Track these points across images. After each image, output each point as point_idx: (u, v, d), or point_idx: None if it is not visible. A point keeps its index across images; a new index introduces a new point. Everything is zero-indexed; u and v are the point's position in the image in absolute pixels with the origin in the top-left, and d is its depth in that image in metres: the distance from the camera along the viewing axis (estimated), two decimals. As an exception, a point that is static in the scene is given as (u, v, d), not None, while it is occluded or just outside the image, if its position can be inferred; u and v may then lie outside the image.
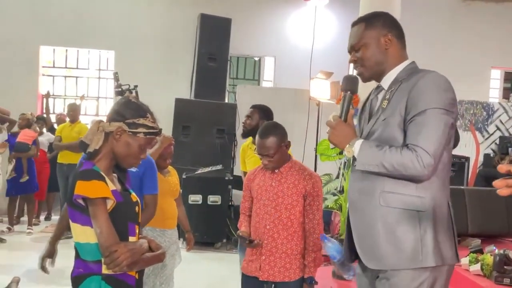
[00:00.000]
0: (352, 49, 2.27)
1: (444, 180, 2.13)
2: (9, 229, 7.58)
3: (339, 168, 5.94)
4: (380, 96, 2.24)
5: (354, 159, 2.14)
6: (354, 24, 2.29)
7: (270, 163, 3.00)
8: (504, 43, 10.30)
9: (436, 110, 2.00)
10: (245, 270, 3.11)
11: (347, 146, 2.12)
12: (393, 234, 2.07)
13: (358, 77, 2.29)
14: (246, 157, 4.39)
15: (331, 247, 2.82)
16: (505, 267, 4.13)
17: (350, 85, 2.25)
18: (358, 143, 2.10)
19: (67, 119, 7.85)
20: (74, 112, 7.57)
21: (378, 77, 2.26)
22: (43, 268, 2.91)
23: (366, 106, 2.35)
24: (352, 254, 2.30)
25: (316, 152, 6.17)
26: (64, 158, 7.29)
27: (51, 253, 2.96)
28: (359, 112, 2.41)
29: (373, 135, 2.16)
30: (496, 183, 1.45)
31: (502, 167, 1.44)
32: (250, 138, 4.38)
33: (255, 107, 4.34)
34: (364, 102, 2.40)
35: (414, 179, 2.03)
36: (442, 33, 10.17)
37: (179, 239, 3.90)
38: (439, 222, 2.08)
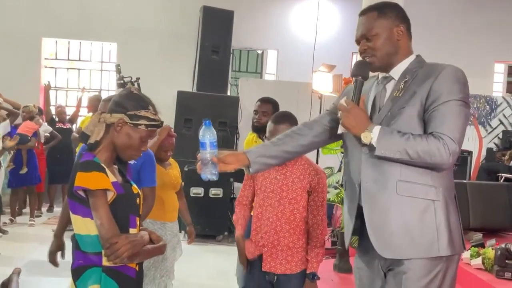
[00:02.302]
0: (363, 37, 2.23)
1: (451, 171, 2.17)
2: (11, 220, 7.60)
3: (341, 162, 5.93)
4: (390, 86, 2.22)
5: (368, 146, 2.10)
6: (364, 13, 2.25)
7: None
8: (508, 37, 10.26)
9: (459, 102, 2.03)
10: (249, 255, 3.10)
11: (365, 131, 2.07)
12: (409, 223, 2.07)
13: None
14: None
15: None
16: (506, 261, 4.13)
17: (361, 70, 2.22)
18: (377, 128, 2.06)
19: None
20: (95, 103, 7.50)
21: (387, 68, 2.23)
22: (53, 262, 2.91)
23: (369, 95, 2.30)
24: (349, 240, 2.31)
25: (318, 146, 6.12)
26: None
27: (59, 247, 2.96)
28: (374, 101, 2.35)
29: (388, 123, 2.13)
30: None
31: None
32: (255, 133, 4.35)
33: (268, 102, 4.23)
34: (366, 92, 2.32)
35: (436, 167, 2.04)
36: (446, 26, 10.13)
37: (180, 232, 3.89)
38: (451, 212, 2.11)
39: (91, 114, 7.46)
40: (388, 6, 2.23)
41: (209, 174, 2.20)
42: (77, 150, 7.20)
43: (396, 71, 2.21)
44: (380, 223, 2.13)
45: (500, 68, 10.96)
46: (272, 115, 4.09)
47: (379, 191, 2.13)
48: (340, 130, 2.20)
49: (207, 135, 2.20)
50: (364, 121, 2.11)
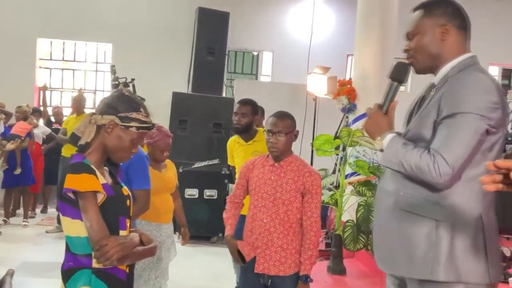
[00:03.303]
0: (406, 36, 2.11)
1: (477, 190, 1.91)
2: (4, 221, 7.57)
3: (335, 164, 5.93)
4: (432, 93, 2.08)
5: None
6: (414, 10, 2.11)
7: (278, 143, 2.98)
8: (502, 40, 10.29)
9: (468, 115, 1.84)
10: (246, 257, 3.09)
11: (378, 138, 2.03)
12: (407, 239, 1.97)
13: (410, 66, 2.13)
14: (234, 151, 4.38)
15: None
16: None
17: (398, 73, 2.11)
18: (389, 137, 2.00)
19: (67, 112, 7.79)
20: (79, 104, 7.50)
21: (432, 71, 2.09)
22: None
23: (416, 101, 2.19)
24: None
25: (312, 147, 6.15)
26: (68, 151, 7.15)
27: None
28: (411, 107, 2.22)
29: (409, 132, 2.05)
30: (483, 178, 1.43)
31: (489, 164, 1.39)
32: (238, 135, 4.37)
33: (247, 103, 4.29)
34: (417, 97, 2.21)
35: (431, 185, 1.91)
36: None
37: (174, 233, 3.89)
38: (461, 235, 1.91)
39: (75, 114, 7.48)
40: (436, 2, 2.07)
41: None
42: (62, 149, 7.23)
43: (439, 76, 2.06)
44: (381, 235, 2.10)
45: (494, 71, 10.98)
46: (252, 115, 4.15)
47: (384, 202, 2.09)
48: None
49: None
50: (381, 128, 2.04)
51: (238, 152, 4.26)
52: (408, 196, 1.98)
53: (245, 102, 4.27)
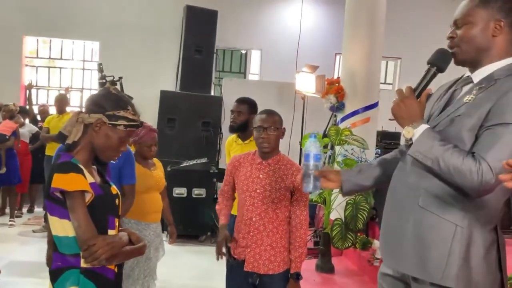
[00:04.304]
0: (455, 23, 1.97)
1: (498, 201, 1.88)
2: (-9, 221, 7.49)
3: (324, 162, 5.95)
4: (466, 89, 1.97)
5: (408, 144, 1.92)
6: None
7: (269, 138, 2.99)
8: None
9: None
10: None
11: (410, 126, 1.88)
12: (421, 239, 1.90)
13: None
14: (232, 150, 4.36)
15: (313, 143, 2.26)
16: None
17: (438, 60, 1.97)
18: (423, 127, 1.86)
19: (54, 111, 7.72)
20: (61, 103, 7.45)
21: (473, 65, 1.97)
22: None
23: (445, 93, 2.07)
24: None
25: (301, 146, 6.18)
26: (52, 150, 7.09)
27: None
28: (433, 96, 2.11)
29: (440, 127, 1.92)
30: (502, 176, 1.40)
31: (506, 163, 1.37)
32: (235, 134, 4.35)
33: (244, 102, 4.27)
34: (444, 88, 2.11)
35: (464, 191, 1.80)
36: (429, 29, 10.19)
37: (162, 232, 3.88)
38: (477, 244, 1.85)
39: (56, 114, 7.42)
40: None
41: (312, 187, 2.14)
42: (46, 148, 7.17)
43: (480, 73, 1.94)
44: (393, 229, 2.02)
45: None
46: (248, 113, 4.13)
47: (402, 197, 1.99)
48: (390, 117, 1.97)
49: (312, 148, 2.15)
50: (414, 115, 1.89)
51: (236, 151, 4.24)
52: (429, 193, 1.90)
53: (242, 101, 4.25)
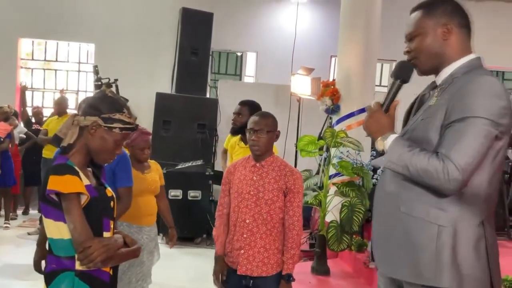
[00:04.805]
0: (407, 38, 2.07)
1: (480, 197, 1.90)
2: (-14, 223, 7.47)
3: (319, 164, 5.95)
4: (432, 92, 2.04)
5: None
6: (412, 11, 2.07)
7: (259, 140, 3.00)
8: (482, 41, 10.31)
9: (479, 120, 1.79)
10: (228, 263, 3.10)
11: (380, 138, 1.97)
12: (408, 244, 1.93)
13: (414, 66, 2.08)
14: (235, 153, 4.36)
15: None
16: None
17: (402, 72, 2.05)
18: (392, 137, 1.94)
19: (48, 113, 7.71)
20: (61, 105, 7.45)
21: (436, 71, 2.04)
22: (39, 271, 2.88)
23: (417, 101, 2.14)
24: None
25: (296, 148, 6.18)
26: (49, 152, 7.02)
27: (43, 255, 2.93)
28: (410, 106, 2.17)
29: (411, 132, 1.99)
30: None
31: None
32: (239, 136, 4.35)
33: (245, 104, 4.27)
34: (417, 96, 2.17)
35: (438, 191, 1.85)
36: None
37: (161, 234, 3.83)
38: (463, 242, 1.87)
39: (56, 116, 7.42)
40: (435, 2, 2.02)
41: None
42: (43, 151, 7.15)
43: (441, 76, 2.02)
44: (382, 237, 2.07)
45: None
46: (249, 115, 4.12)
47: (386, 205, 2.04)
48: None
49: None
50: (383, 128, 1.98)
51: (238, 154, 4.24)
52: (410, 199, 1.94)
53: (243, 103, 4.26)
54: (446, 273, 1.86)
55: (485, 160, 1.85)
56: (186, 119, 7.96)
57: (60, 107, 7.40)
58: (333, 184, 5.27)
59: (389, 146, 1.94)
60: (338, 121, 6.17)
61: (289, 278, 2.98)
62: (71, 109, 9.60)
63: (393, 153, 1.92)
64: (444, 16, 1.98)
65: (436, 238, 1.88)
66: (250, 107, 4.19)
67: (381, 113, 2.02)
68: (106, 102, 2.05)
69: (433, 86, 2.07)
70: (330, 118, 6.51)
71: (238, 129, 4.18)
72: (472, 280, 1.87)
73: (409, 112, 2.16)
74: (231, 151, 4.41)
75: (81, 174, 1.96)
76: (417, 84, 2.31)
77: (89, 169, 2.11)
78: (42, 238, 3.02)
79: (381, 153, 2.02)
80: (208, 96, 9.06)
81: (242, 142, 4.20)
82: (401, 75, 2.06)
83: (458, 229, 1.87)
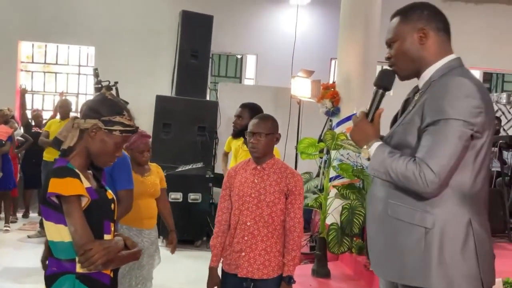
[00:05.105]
0: (387, 44, 2.11)
1: (465, 195, 1.91)
2: (-14, 226, 7.46)
3: (319, 167, 5.95)
4: (415, 96, 2.07)
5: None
6: (391, 17, 2.11)
7: (258, 144, 3.00)
8: (482, 44, 10.39)
9: (451, 121, 1.82)
10: (226, 268, 3.11)
11: (365, 147, 2.02)
12: (397, 247, 1.97)
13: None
14: (238, 156, 4.36)
15: None
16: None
17: (383, 80, 2.10)
18: (375, 145, 1.99)
19: (58, 116, 7.71)
20: (64, 108, 7.45)
21: (416, 75, 2.08)
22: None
23: (402, 105, 2.19)
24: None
25: (296, 150, 6.18)
26: (50, 155, 6.97)
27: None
28: (398, 113, 2.20)
29: (393, 138, 2.05)
30: None
31: None
32: (241, 139, 4.34)
33: (245, 106, 4.27)
34: (403, 101, 2.21)
35: (419, 194, 1.89)
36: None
37: (159, 237, 3.83)
38: (451, 241, 1.89)
39: (58, 118, 7.42)
40: (412, 7, 2.07)
41: None
42: (44, 153, 7.14)
43: (422, 79, 2.05)
44: (374, 241, 2.11)
45: (475, 75, 11.04)
46: (249, 118, 4.12)
47: (375, 210, 2.09)
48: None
49: None
50: (367, 136, 2.03)
51: (242, 158, 4.24)
52: (397, 204, 1.97)
53: (244, 106, 4.26)
54: (434, 274, 1.89)
55: (465, 159, 1.88)
56: (186, 121, 7.96)
57: (64, 110, 7.40)
58: (334, 186, 5.27)
59: (373, 154, 1.99)
60: (338, 124, 6.17)
61: (290, 280, 2.98)
62: (72, 112, 9.64)
63: (376, 160, 1.98)
64: (421, 21, 2.02)
65: (423, 240, 1.91)
66: (251, 109, 4.19)
67: (366, 122, 2.07)
68: (106, 105, 2.05)
69: (416, 90, 2.10)
70: (330, 120, 6.51)
71: (239, 132, 4.19)
72: (461, 280, 1.89)
73: (396, 117, 2.19)
74: (236, 154, 4.41)
75: (81, 176, 1.97)
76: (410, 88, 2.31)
77: (90, 171, 2.11)
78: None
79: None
80: (208, 98, 9.06)
81: (245, 145, 4.21)
82: (383, 83, 2.10)
83: (444, 229, 1.90)
